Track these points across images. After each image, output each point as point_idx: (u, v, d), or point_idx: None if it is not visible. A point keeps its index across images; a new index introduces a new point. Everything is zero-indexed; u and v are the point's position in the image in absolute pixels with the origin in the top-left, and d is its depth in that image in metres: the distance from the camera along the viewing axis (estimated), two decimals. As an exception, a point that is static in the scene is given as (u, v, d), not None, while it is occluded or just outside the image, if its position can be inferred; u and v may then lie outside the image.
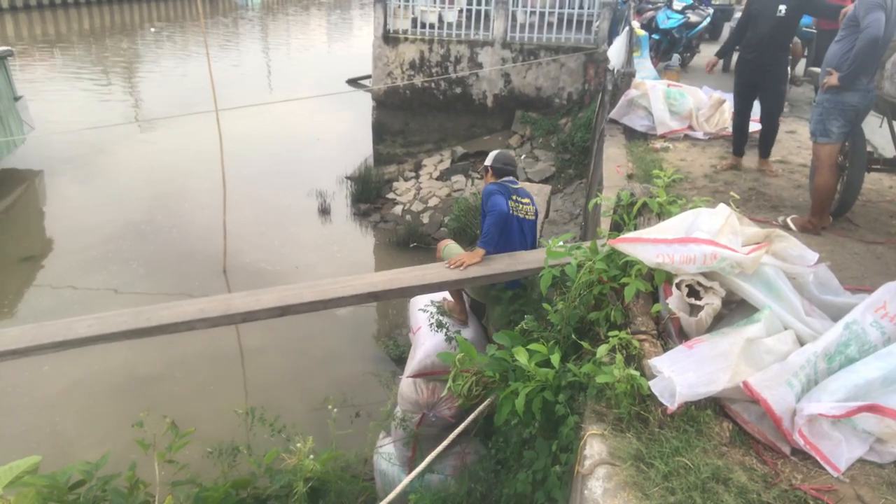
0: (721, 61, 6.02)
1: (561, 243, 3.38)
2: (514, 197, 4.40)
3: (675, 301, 2.60)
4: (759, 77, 5.47)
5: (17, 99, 11.70)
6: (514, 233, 4.35)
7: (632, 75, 6.99)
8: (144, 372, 6.29)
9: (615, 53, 7.66)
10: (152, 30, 31.58)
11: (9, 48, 11.88)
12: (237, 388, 6.12)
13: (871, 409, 2.21)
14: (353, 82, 18.23)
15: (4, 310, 7.62)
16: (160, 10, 42.49)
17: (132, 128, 14.63)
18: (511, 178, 4.53)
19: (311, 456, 3.15)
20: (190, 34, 30.96)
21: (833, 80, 4.13)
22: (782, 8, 5.15)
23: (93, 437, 5.43)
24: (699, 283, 2.61)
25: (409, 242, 9.14)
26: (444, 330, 4.37)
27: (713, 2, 11.75)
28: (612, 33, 10.35)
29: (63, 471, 3.34)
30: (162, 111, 14.87)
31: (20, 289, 8.03)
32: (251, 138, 13.05)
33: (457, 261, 4.01)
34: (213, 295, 3.86)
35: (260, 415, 3.78)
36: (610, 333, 2.56)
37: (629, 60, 7.27)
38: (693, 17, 9.67)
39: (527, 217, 4.44)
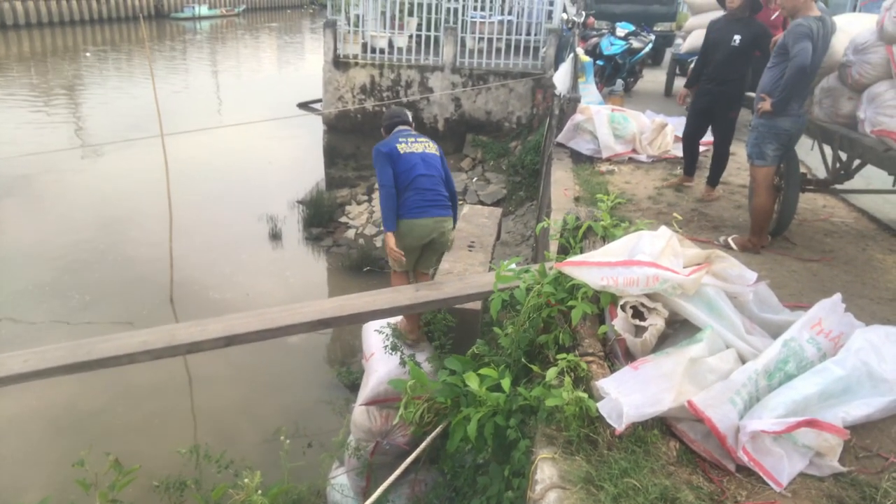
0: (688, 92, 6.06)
1: (512, 266, 3.42)
2: (401, 140, 4.33)
3: (620, 322, 2.65)
4: (713, 104, 5.63)
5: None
6: (419, 169, 4.22)
7: (577, 100, 7.17)
8: (86, 406, 6.05)
9: (561, 79, 7.84)
10: (87, 54, 30.88)
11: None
12: (185, 421, 5.93)
13: (810, 423, 2.28)
14: (304, 106, 18.17)
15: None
16: (104, 32, 41.63)
17: (74, 153, 14.20)
18: (401, 127, 4.50)
19: (260, 491, 3.07)
20: (135, 57, 30.40)
21: (766, 105, 4.32)
22: (737, 38, 5.33)
23: (32, 479, 5.18)
24: (643, 305, 2.67)
25: (363, 266, 9.09)
26: (399, 353, 4.35)
27: (655, 28, 12.16)
28: (559, 59, 10.60)
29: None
30: (106, 136, 14.49)
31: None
32: (199, 163, 12.83)
33: (392, 256, 4.17)
34: (160, 325, 3.75)
35: (205, 452, 3.67)
36: (559, 356, 2.59)
37: (575, 86, 7.45)
38: (636, 44, 9.99)
39: (427, 150, 4.33)
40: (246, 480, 3.06)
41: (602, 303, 2.78)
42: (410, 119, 4.66)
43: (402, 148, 4.26)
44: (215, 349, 3.52)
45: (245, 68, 31.57)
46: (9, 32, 37.34)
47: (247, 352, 6.56)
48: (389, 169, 4.19)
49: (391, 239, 4.14)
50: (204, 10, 53.53)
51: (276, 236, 10.20)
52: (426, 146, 4.36)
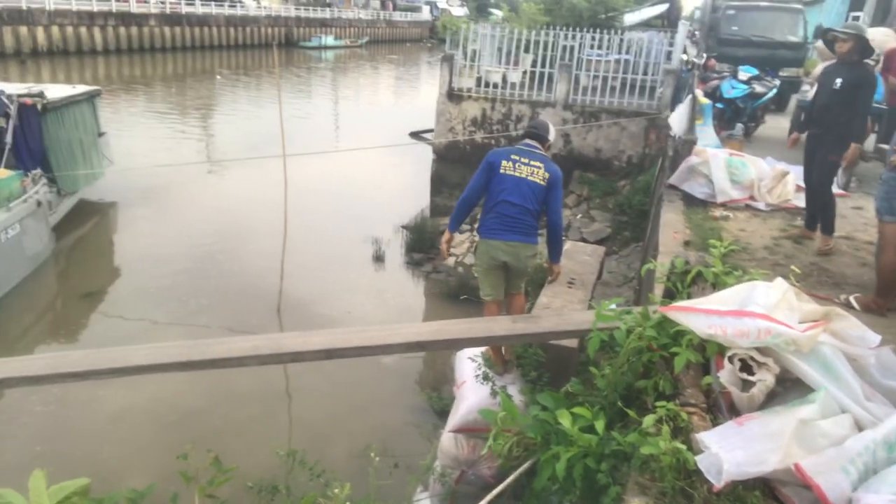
0: (799, 137, 5.97)
1: (613, 306, 3.36)
2: (513, 156, 4.27)
3: (726, 375, 2.54)
4: (815, 148, 5.46)
5: (100, 135, 12.45)
6: (507, 195, 4.19)
7: (693, 142, 6.97)
8: (192, 405, 6.42)
9: (677, 120, 7.67)
10: (219, 77, 33.27)
11: (98, 88, 12.73)
12: (281, 428, 6.18)
13: (935, 505, 2.08)
14: (416, 135, 18.70)
15: (68, 336, 7.97)
16: (238, 58, 44.81)
17: (203, 167, 15.33)
18: (528, 141, 4.41)
19: (348, 503, 3.15)
20: (264, 82, 32.49)
21: (898, 159, 4.04)
22: (838, 81, 5.15)
23: (137, 466, 5.54)
24: (752, 358, 2.54)
25: (460, 295, 9.16)
26: (490, 384, 4.34)
27: (780, 73, 11.67)
28: (675, 100, 10.38)
29: (110, 496, 3.41)
30: (233, 153, 15.53)
31: (86, 316, 8.38)
32: (315, 184, 13.47)
33: (441, 248, 4.61)
34: (266, 333, 3.96)
35: (300, 457, 3.81)
36: (658, 403, 2.51)
37: (691, 127, 7.26)
38: (758, 88, 9.62)
39: (531, 178, 4.22)
40: (336, 490, 3.15)
41: (708, 352, 2.67)
42: (547, 135, 4.50)
43: (505, 166, 4.27)
44: (316, 360, 3.66)
45: (363, 97, 32.99)
46: (156, 54, 41.02)
47: (344, 367, 6.78)
48: (481, 180, 4.33)
49: (446, 235, 4.58)
50: (330, 40, 56.64)
51: (379, 258, 10.50)
52: (533, 172, 4.28)
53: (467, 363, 4.75)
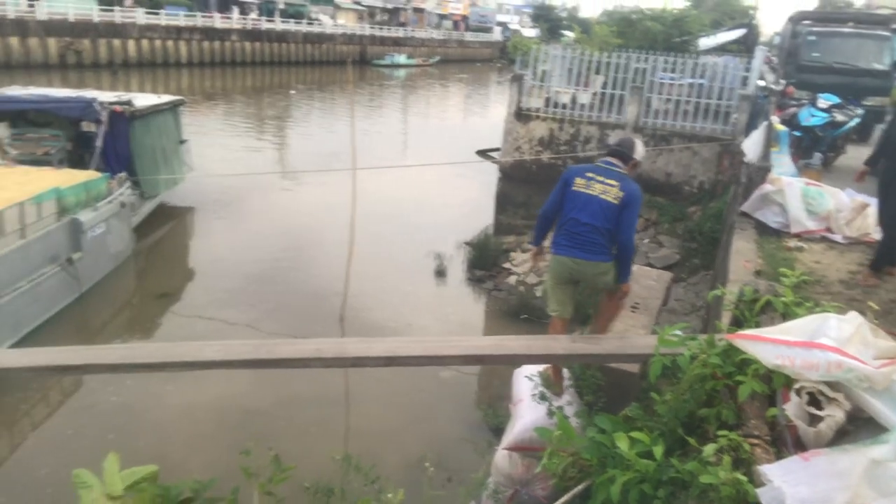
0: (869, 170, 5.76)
1: (678, 331, 3.30)
2: (588, 174, 4.26)
3: (793, 408, 2.47)
4: (891, 179, 5.21)
5: (182, 142, 13.09)
6: (577, 213, 4.21)
7: (768, 170, 6.79)
8: (255, 406, 6.63)
9: (751, 146, 7.48)
10: (293, 91, 34.38)
11: (181, 98, 13.40)
12: (338, 432, 6.29)
13: None
14: (483, 153, 18.83)
15: (143, 332, 8.37)
16: (314, 73, 46.20)
17: (276, 177, 15.88)
18: (608, 158, 4.37)
19: (401, 510, 3.19)
20: (338, 97, 33.39)
21: None
22: None
23: (200, 459, 5.75)
24: (821, 393, 2.46)
25: (520, 314, 9.14)
26: (547, 404, 4.33)
27: (864, 102, 11.22)
28: (751, 126, 10.12)
29: (175, 485, 3.56)
30: (305, 165, 16.02)
31: (160, 314, 8.78)
32: (382, 197, 13.74)
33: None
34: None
35: (356, 462, 3.88)
36: (719, 432, 2.46)
37: (766, 155, 7.07)
38: (839, 117, 9.26)
39: (603, 197, 4.19)
40: (389, 496, 3.20)
41: (774, 384, 2.60)
42: (630, 152, 4.43)
43: (579, 183, 4.27)
44: (376, 367, 3.74)
45: (432, 114, 33.45)
46: (236, 68, 42.77)
47: (402, 377, 6.87)
48: (557, 196, 4.38)
49: (532, 250, 4.78)
50: (402, 58, 57.76)
51: (441, 273, 10.60)
52: (606, 190, 4.24)
53: (525, 381, 4.74)
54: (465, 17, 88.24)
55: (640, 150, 4.48)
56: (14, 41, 31.50)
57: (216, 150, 18.17)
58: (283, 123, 26.15)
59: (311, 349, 3.67)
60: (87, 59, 34.62)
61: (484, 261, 10.92)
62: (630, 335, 4.48)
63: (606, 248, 4.28)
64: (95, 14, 35.74)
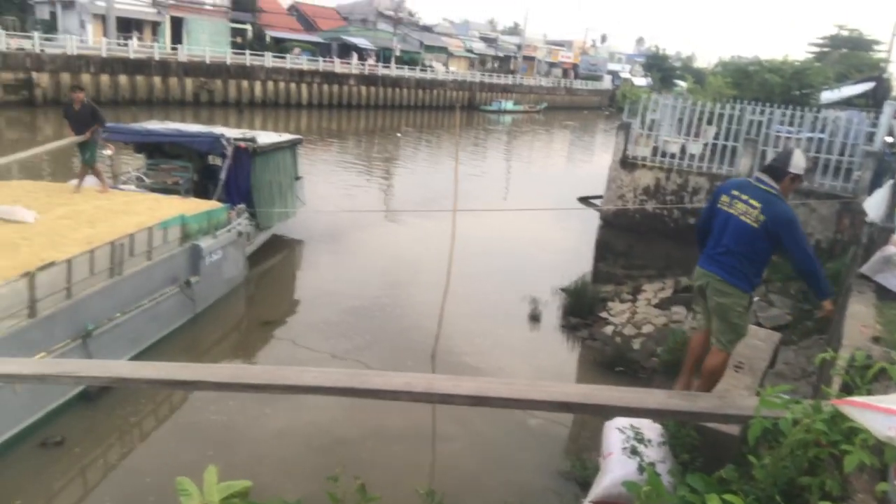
0: None
1: (782, 395, 3.13)
2: (734, 191, 4.19)
3: (908, 484, 2.28)
4: None
5: (297, 178, 13.86)
6: (713, 229, 4.24)
7: (891, 231, 6.34)
8: (344, 434, 6.79)
9: (875, 205, 7.03)
10: (399, 134, 35.59)
11: (300, 137, 14.24)
12: (422, 468, 6.33)
13: None
14: (584, 200, 18.67)
15: (246, 355, 8.82)
16: (423, 117, 47.76)
17: (381, 215, 16.45)
18: (760, 175, 4.18)
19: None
20: (444, 140, 34.30)
21: None
22: None
23: (289, 480, 5.93)
24: (942, 471, 2.26)
25: (615, 365, 8.88)
26: (638, 458, 4.18)
27: None
28: (875, 184, 9.51)
29: (265, 503, 3.73)
30: (408, 204, 16.52)
31: (263, 340, 9.22)
32: (480, 240, 13.90)
33: None
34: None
35: (439, 499, 3.90)
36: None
37: (891, 215, 6.62)
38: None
39: (743, 218, 4.03)
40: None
41: (886, 457, 2.41)
42: (785, 167, 4.13)
43: (723, 201, 4.23)
44: (464, 405, 3.77)
45: (535, 159, 33.64)
46: (351, 111, 44.96)
47: (489, 419, 6.85)
48: (707, 210, 4.48)
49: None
50: (510, 105, 58.69)
51: (535, 318, 10.51)
52: (746, 211, 4.06)
53: (615, 434, 4.60)
54: (575, 66, 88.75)
55: (797, 162, 4.12)
56: (157, 80, 34.79)
57: (327, 187, 19.11)
58: (390, 164, 27.13)
59: (402, 382, 3.76)
60: (217, 97, 37.63)
61: (580, 308, 10.73)
62: (730, 395, 4.27)
63: (740, 271, 4.13)
64: (228, 57, 39.01)
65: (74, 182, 10.11)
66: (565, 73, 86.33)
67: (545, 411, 3.91)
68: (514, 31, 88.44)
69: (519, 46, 79.70)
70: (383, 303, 10.65)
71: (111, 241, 7.32)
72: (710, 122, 12.65)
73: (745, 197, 4.10)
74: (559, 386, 3.92)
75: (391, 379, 3.84)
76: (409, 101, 50.81)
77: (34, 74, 29.72)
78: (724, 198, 4.21)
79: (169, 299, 8.39)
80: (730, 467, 3.17)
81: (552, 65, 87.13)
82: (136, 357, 7.46)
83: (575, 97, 73.94)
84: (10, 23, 36.28)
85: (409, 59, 60.35)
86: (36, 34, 32.68)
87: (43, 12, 43.85)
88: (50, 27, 40.10)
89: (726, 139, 11.94)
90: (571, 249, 14.29)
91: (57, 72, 30.59)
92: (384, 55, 57.99)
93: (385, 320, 9.99)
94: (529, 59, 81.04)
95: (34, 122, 27.11)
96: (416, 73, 52.52)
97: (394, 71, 50.93)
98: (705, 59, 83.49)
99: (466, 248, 11.51)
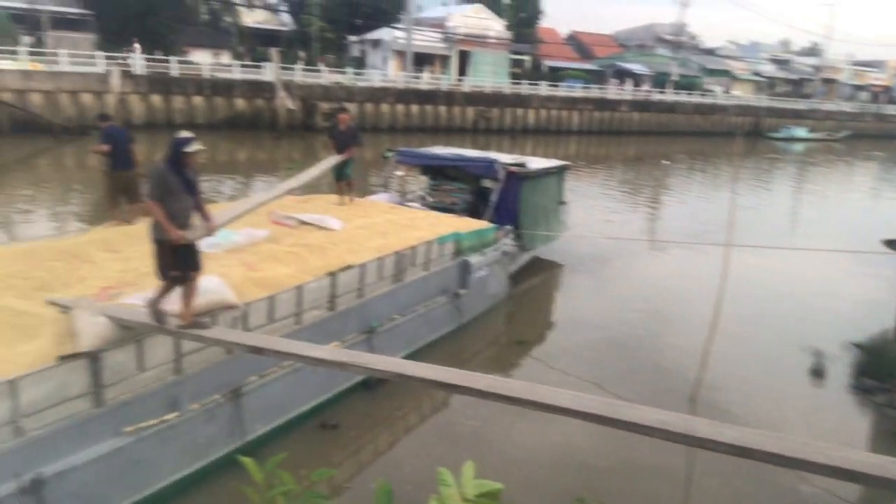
0: None
1: None
2: None
3: None
4: None
5: (561, 203, 14.14)
6: None
7: None
8: (591, 459, 6.75)
9: None
10: (665, 162, 33.98)
11: (567, 163, 14.52)
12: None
13: None
14: (891, 244, 16.03)
15: (502, 369, 9.21)
16: (699, 144, 45.32)
17: (644, 245, 16.01)
18: None
19: None
20: (722, 169, 32.08)
21: None
22: None
23: (533, 495, 6.07)
24: None
25: (919, 441, 7.51)
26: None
27: None
28: None
29: (507, 510, 3.88)
30: (675, 236, 15.82)
31: (517, 357, 9.54)
32: (757, 278, 12.77)
33: None
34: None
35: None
36: None
37: None
38: None
39: None
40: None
41: None
42: None
43: None
44: (725, 454, 3.53)
45: (829, 194, 29.82)
46: (621, 137, 44.56)
47: (751, 476, 6.29)
48: None
49: None
50: (801, 132, 53.02)
51: (818, 373, 9.32)
52: None
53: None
54: (887, 88, 77.05)
55: None
56: (443, 109, 38.18)
57: (591, 213, 19.16)
58: (658, 191, 26.21)
59: (657, 419, 3.65)
60: (494, 124, 40.04)
61: (878, 369, 9.22)
62: None
63: None
64: (506, 87, 41.35)
65: (345, 197, 11.11)
66: (875, 97, 75.29)
67: (822, 475, 3.48)
68: (812, 51, 79.61)
69: (817, 68, 71.60)
70: (640, 335, 10.34)
71: (397, 251, 8.24)
72: None
73: None
74: (844, 450, 3.46)
75: (646, 414, 3.76)
76: (683, 128, 48.69)
77: (345, 104, 34.63)
78: None
79: (439, 308, 9.16)
80: None
81: (858, 88, 76.68)
82: (408, 356, 8.26)
83: (886, 124, 64.00)
84: (330, 60, 42.77)
85: (687, 84, 57.84)
86: (349, 70, 38.14)
87: (355, 51, 51.03)
88: (360, 63, 46.44)
89: None
90: (870, 300, 12.38)
91: (363, 102, 35.25)
92: (660, 80, 56.38)
93: (641, 353, 9.69)
94: (829, 81, 72.37)
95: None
96: (695, 98, 50.08)
97: (669, 96, 49.21)
98: None
99: (739, 286, 10.66)
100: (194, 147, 5.08)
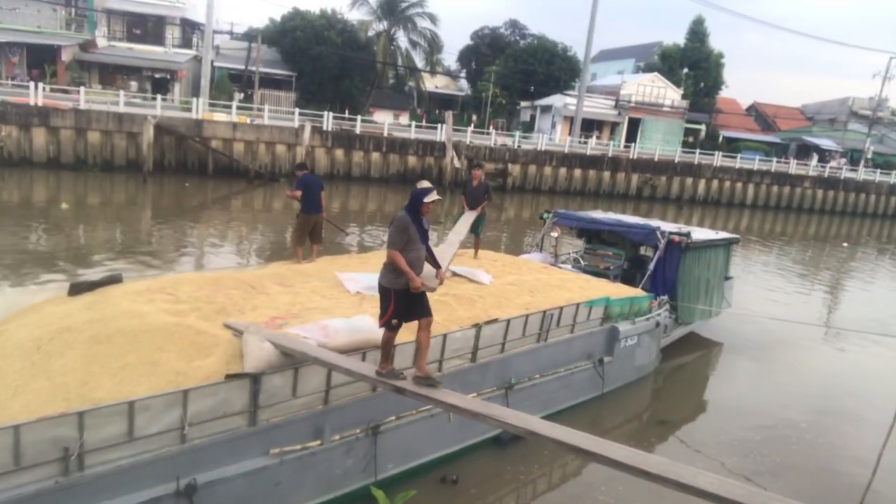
0: None
1: None
2: None
3: None
4: None
5: (727, 278, 13.37)
6: None
7: None
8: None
9: None
10: (844, 244, 30.90)
11: (737, 237, 13.76)
12: None
13: None
14: None
15: (641, 447, 8.76)
16: (893, 228, 40.88)
17: (818, 331, 14.60)
18: None
19: None
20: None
21: None
22: None
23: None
24: None
25: None
26: None
27: None
28: None
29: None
30: (855, 324, 14.28)
31: (657, 436, 9.02)
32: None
33: None
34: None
35: None
36: None
37: None
38: None
39: None
40: None
41: None
42: None
43: None
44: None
45: None
46: (801, 214, 41.23)
47: None
48: None
49: None
50: None
51: None
52: None
53: None
54: None
55: None
56: (606, 174, 37.85)
57: (760, 292, 17.87)
58: (839, 275, 23.87)
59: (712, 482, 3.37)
60: (660, 192, 38.90)
61: None
62: None
63: None
64: (677, 155, 40.17)
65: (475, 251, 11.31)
66: None
67: None
68: None
69: None
70: (802, 429, 9.37)
71: (543, 310, 8.26)
72: None
73: None
74: None
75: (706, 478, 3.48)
76: (875, 209, 44.16)
77: (509, 165, 35.45)
78: None
79: (582, 372, 8.98)
80: None
81: None
82: (544, 419, 8.13)
83: None
84: (500, 123, 44.32)
85: (883, 163, 52.67)
86: (517, 133, 39.20)
87: (525, 115, 52.43)
88: (528, 127, 47.59)
89: None
90: None
91: (527, 164, 35.90)
92: (852, 157, 51.83)
93: (801, 448, 8.78)
94: None
95: (502, 203, 32.00)
96: (891, 178, 45.39)
97: (861, 174, 45.04)
98: None
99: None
100: (433, 197, 5.28)
